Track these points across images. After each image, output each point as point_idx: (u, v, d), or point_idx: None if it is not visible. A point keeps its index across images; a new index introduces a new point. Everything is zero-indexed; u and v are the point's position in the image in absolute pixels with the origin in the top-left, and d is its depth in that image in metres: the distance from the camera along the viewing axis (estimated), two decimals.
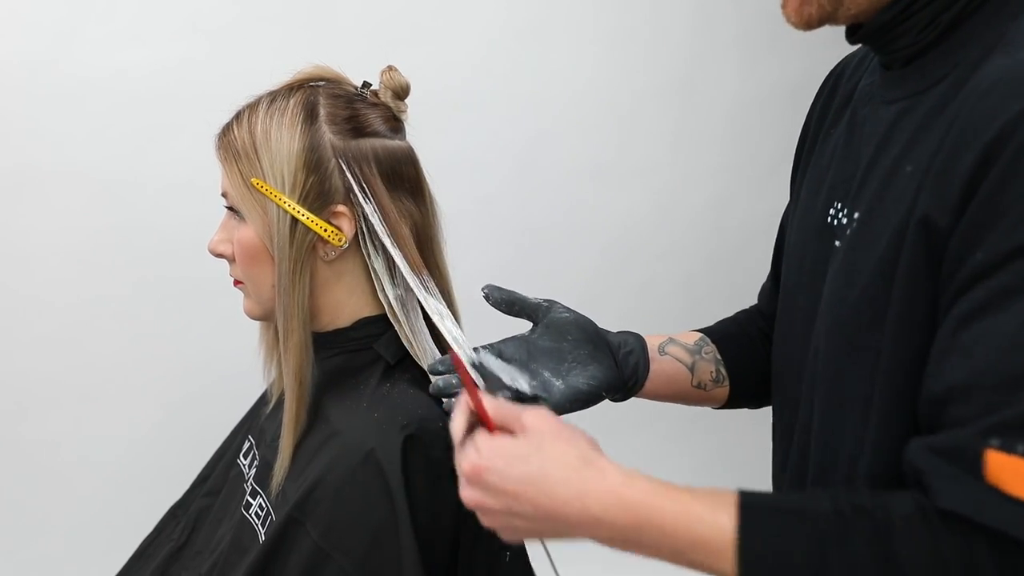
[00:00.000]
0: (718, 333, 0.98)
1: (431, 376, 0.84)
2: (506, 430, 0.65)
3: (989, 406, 0.54)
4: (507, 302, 0.87)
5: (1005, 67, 0.59)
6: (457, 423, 0.68)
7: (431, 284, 0.87)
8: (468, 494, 0.64)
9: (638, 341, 0.92)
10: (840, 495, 0.60)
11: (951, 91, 0.63)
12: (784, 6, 0.71)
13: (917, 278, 0.62)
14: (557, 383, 0.83)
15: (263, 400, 1.03)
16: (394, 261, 0.87)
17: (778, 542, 0.57)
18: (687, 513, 0.60)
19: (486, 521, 0.65)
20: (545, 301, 0.89)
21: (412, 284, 0.86)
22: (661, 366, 0.92)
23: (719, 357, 0.95)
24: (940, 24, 0.65)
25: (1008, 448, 0.53)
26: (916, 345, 0.62)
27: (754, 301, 1.05)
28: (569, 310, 0.89)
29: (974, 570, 0.53)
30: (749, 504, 0.59)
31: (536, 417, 0.65)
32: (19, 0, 1.82)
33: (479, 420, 0.67)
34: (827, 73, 0.89)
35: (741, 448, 1.81)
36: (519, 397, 0.81)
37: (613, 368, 0.87)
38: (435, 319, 0.85)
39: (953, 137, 0.60)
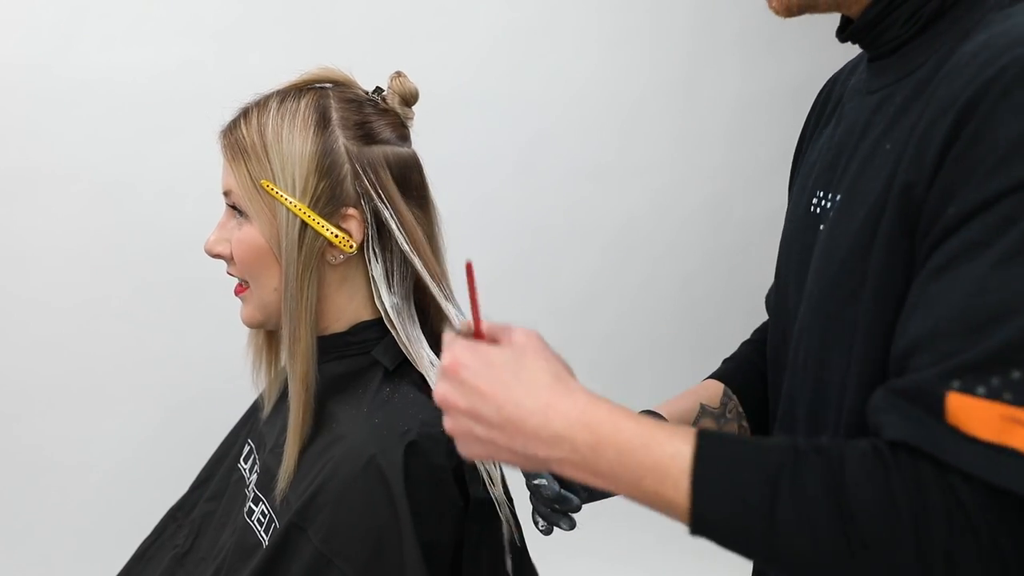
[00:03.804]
0: (739, 380, 0.97)
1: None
2: (495, 342, 0.66)
3: (951, 351, 0.55)
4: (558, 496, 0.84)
5: (981, 41, 0.61)
6: (449, 331, 0.69)
7: (451, 291, 0.87)
8: (439, 388, 0.65)
9: None
10: (802, 437, 0.60)
11: (929, 75, 0.65)
12: None
13: (895, 246, 0.62)
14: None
15: (256, 407, 1.02)
16: (392, 269, 0.87)
17: (733, 470, 0.57)
18: (646, 435, 0.59)
19: (448, 423, 0.65)
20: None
21: (434, 291, 0.86)
22: None
23: (741, 411, 0.95)
24: (922, 17, 0.67)
25: (968, 390, 0.53)
26: (892, 312, 0.62)
27: (752, 300, 1.05)
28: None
29: (922, 506, 0.53)
30: (709, 435, 0.60)
31: (524, 335, 0.66)
32: (19, 2, 1.82)
33: (471, 334, 0.68)
34: (826, 73, 0.90)
35: None
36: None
37: None
38: (458, 327, 0.85)
39: (932, 109, 0.61)
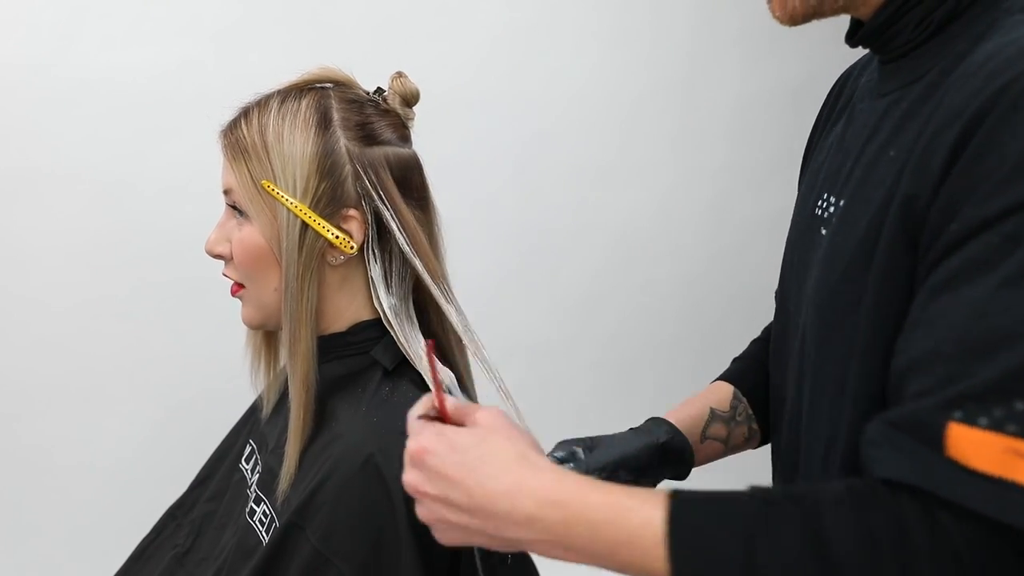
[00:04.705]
0: (749, 382, 0.97)
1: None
2: (459, 423, 0.66)
3: (950, 377, 0.53)
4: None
5: (989, 50, 0.59)
6: (414, 411, 0.69)
7: (451, 292, 0.87)
8: (408, 476, 0.65)
9: (687, 451, 0.90)
10: (773, 488, 0.59)
11: (938, 79, 0.64)
12: (768, 1, 0.71)
13: (895, 258, 0.61)
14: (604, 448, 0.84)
15: (255, 407, 1.02)
16: (391, 269, 0.87)
17: (706, 531, 0.56)
18: (617, 505, 0.58)
19: (422, 512, 0.65)
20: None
21: (434, 292, 0.86)
22: (702, 451, 0.92)
23: (751, 412, 0.95)
24: (933, 21, 0.66)
25: (970, 420, 0.52)
26: (891, 327, 0.61)
27: (754, 301, 1.05)
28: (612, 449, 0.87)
29: (906, 543, 0.52)
30: (680, 497, 0.58)
31: (488, 415, 0.66)
32: (19, 2, 1.82)
33: (436, 415, 0.68)
34: (827, 73, 0.89)
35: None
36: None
37: (656, 480, 0.88)
38: (458, 327, 0.84)
39: (938, 118, 0.60)
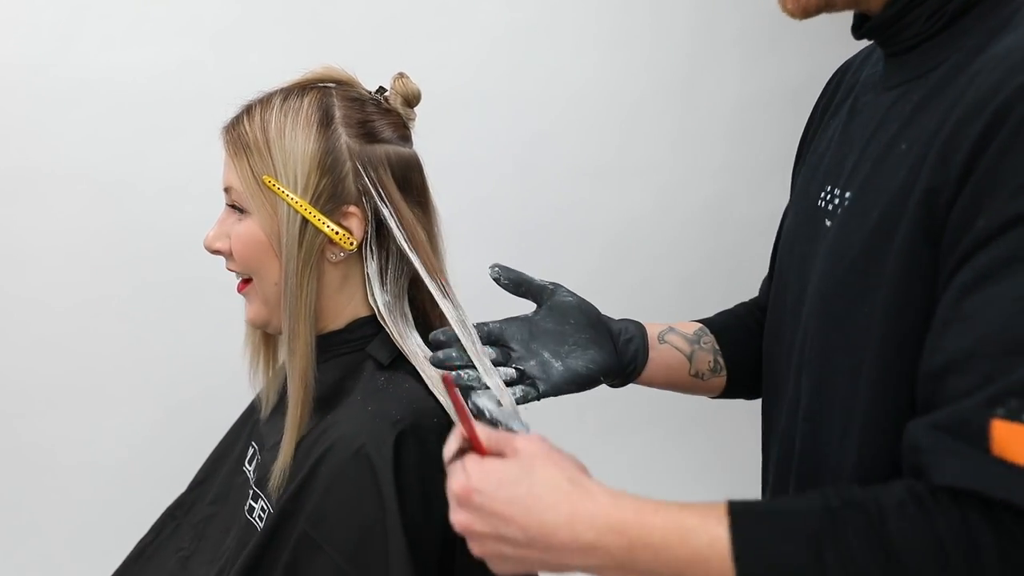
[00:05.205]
0: (717, 324, 0.99)
1: (430, 349, 0.85)
2: (498, 454, 0.64)
3: (991, 375, 0.53)
4: (515, 282, 0.89)
5: (1009, 44, 0.59)
6: (449, 447, 0.67)
7: (450, 288, 0.87)
8: (458, 517, 0.63)
9: (639, 329, 0.93)
10: (830, 492, 0.59)
11: (951, 73, 0.64)
12: None
13: (915, 255, 0.61)
14: (556, 364, 0.83)
15: (254, 408, 1.03)
16: (387, 267, 0.87)
17: (773, 545, 0.56)
18: (679, 528, 0.58)
19: (475, 548, 0.64)
20: (550, 284, 0.90)
21: (431, 288, 0.86)
22: (660, 354, 0.93)
23: (717, 347, 0.96)
24: (946, 13, 0.65)
25: (1013, 416, 0.52)
26: (910, 319, 0.61)
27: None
28: (572, 294, 0.90)
29: (973, 547, 0.52)
30: (740, 511, 0.58)
31: (528, 442, 0.64)
32: (19, 2, 1.82)
33: (471, 446, 0.65)
34: (828, 73, 0.89)
35: (738, 447, 1.81)
36: (519, 379, 0.82)
37: (613, 354, 0.88)
38: (454, 325, 0.84)
39: (958, 112, 0.59)
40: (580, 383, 0.85)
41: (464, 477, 0.62)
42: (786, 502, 0.61)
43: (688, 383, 0.95)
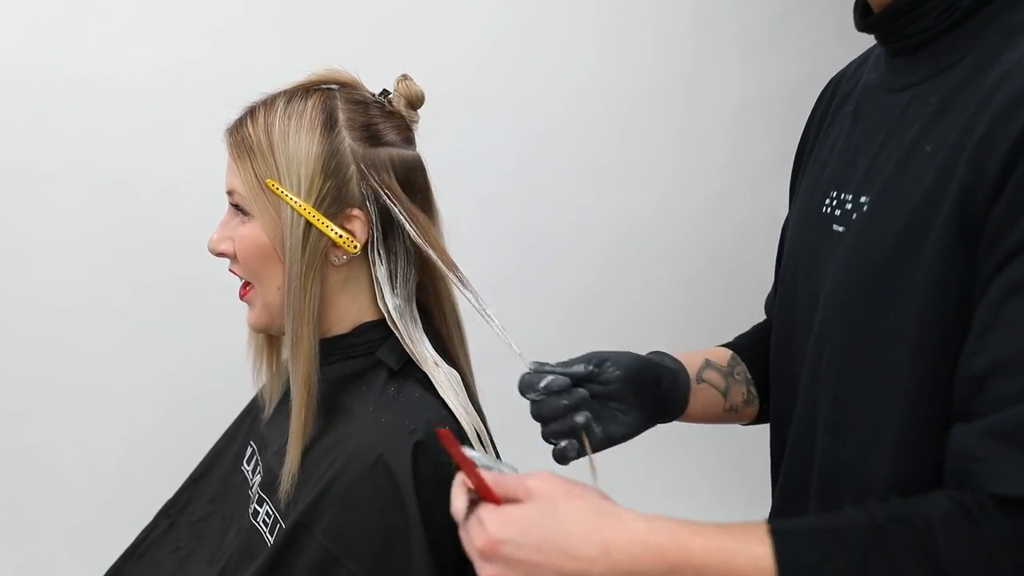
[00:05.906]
0: (748, 349, 0.97)
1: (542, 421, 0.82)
2: (512, 500, 0.62)
3: None
4: (560, 386, 0.82)
5: None
6: (457, 503, 0.65)
7: (467, 280, 0.87)
8: (486, 572, 0.61)
9: (682, 376, 0.90)
10: (871, 507, 0.58)
11: (971, 73, 0.62)
12: None
13: (951, 259, 0.60)
14: (596, 429, 0.82)
15: (255, 405, 1.02)
16: (396, 270, 0.87)
17: (819, 564, 0.56)
18: (720, 549, 0.57)
19: None
20: (594, 366, 0.84)
21: (453, 280, 0.86)
22: (698, 395, 0.91)
23: (749, 376, 0.95)
24: (959, 8, 0.64)
25: None
26: (945, 325, 0.60)
27: (754, 301, 1.04)
28: (617, 362, 0.84)
29: (1022, 554, 0.52)
30: (782, 531, 0.57)
31: (541, 480, 0.62)
32: (19, 2, 1.82)
33: (480, 496, 0.63)
34: (827, 73, 0.89)
35: (741, 448, 1.81)
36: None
37: (654, 410, 0.87)
38: (481, 312, 0.84)
39: (992, 113, 0.58)
40: (616, 443, 0.85)
41: (484, 530, 0.60)
42: (827, 519, 0.60)
43: (723, 417, 0.94)
